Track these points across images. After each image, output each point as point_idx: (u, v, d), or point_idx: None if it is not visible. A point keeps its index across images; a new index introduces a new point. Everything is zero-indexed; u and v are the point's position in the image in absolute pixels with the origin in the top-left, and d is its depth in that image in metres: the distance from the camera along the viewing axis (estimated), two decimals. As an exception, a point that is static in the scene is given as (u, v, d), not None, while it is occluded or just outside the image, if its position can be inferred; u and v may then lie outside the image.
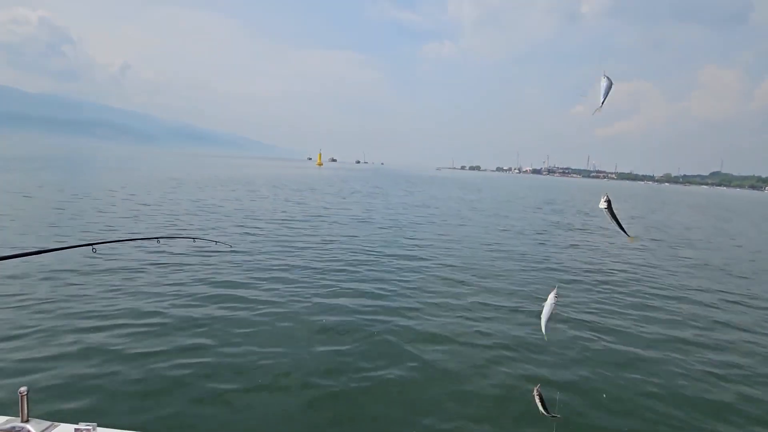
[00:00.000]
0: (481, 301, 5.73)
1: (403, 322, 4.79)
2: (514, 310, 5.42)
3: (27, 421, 1.18)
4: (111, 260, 6.45)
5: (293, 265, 6.90)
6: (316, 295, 5.52)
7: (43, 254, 1.49)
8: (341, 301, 5.36)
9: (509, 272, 7.44)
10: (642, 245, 11.61)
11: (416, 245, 9.28)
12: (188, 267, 6.48)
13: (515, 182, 77.98)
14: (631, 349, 4.43)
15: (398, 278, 6.56)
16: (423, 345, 4.23)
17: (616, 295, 6.37)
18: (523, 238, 11.53)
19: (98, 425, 1.22)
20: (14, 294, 4.90)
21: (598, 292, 6.53)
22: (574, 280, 7.20)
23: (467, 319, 5.04)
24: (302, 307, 5.00)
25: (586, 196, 39.74)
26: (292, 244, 8.55)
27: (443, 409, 3.19)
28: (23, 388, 1.17)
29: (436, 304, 5.49)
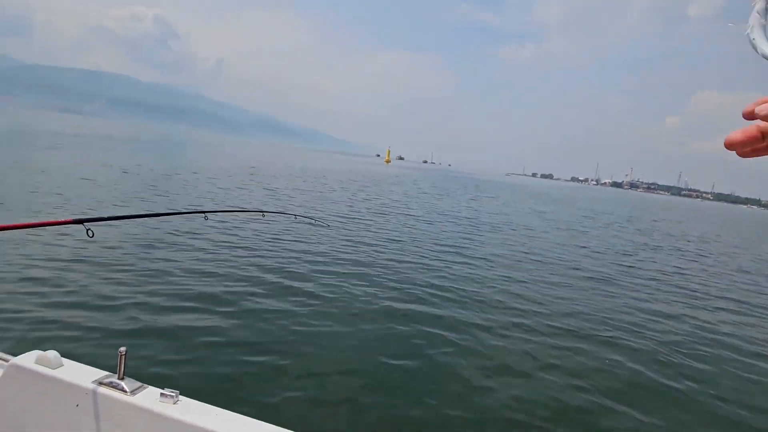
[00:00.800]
0: (557, 325, 5.00)
1: (458, 338, 4.31)
2: (587, 340, 4.68)
3: (122, 379, 1.24)
4: (220, 228, 7.43)
5: (360, 261, 6.95)
6: (375, 295, 5.37)
7: (161, 217, 1.59)
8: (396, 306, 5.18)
9: (587, 294, 6.62)
10: (752, 281, 10.00)
11: (483, 255, 8.80)
12: (288, 240, 7.36)
13: (593, 195, 72.37)
14: None
15: (459, 287, 6.08)
16: (477, 365, 3.77)
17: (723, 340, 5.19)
18: (603, 258, 10.54)
19: (180, 393, 1.25)
20: (132, 253, 5.58)
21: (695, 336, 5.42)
22: (670, 316, 6.08)
23: (541, 346, 4.38)
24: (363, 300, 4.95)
25: (675, 215, 35.62)
26: (360, 239, 8.66)
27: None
28: (122, 348, 1.24)
29: (498, 322, 4.89)
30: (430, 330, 4.39)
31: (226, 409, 1.25)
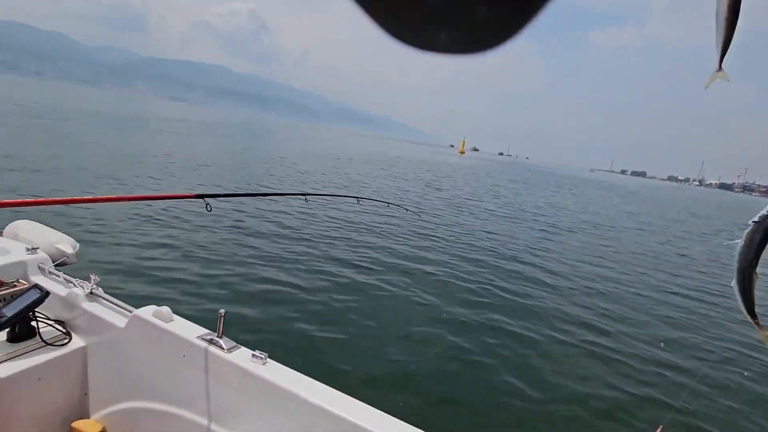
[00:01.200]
0: (646, 354, 4.32)
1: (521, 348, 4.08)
2: (683, 372, 4.13)
3: (220, 337, 1.38)
4: (319, 210, 8.02)
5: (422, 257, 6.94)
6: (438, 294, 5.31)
7: (263, 197, 1.73)
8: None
9: (684, 315, 5.73)
10: None
11: (560, 258, 8.13)
12: (380, 226, 7.72)
13: (696, 196, 63.77)
14: None
15: (532, 291, 5.63)
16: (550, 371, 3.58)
17: None
18: (710, 270, 9.23)
19: (269, 356, 1.35)
20: (242, 227, 6.29)
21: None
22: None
23: (621, 376, 3.94)
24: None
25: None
26: (435, 231, 8.62)
27: None
28: (222, 310, 1.38)
29: (576, 342, 4.41)
30: (497, 332, 4.25)
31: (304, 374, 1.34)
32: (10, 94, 39.44)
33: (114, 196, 1.09)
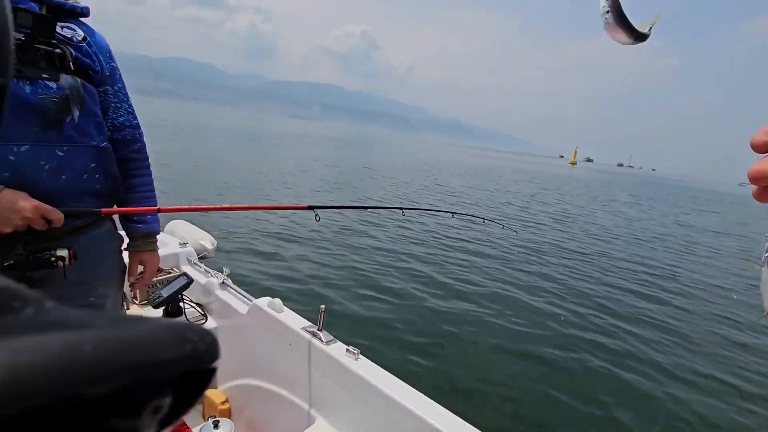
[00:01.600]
0: None
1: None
2: None
3: (321, 330, 1.54)
4: (414, 224, 8.24)
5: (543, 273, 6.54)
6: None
7: (363, 209, 1.90)
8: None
9: None
10: None
11: (697, 291, 6.81)
12: (473, 242, 7.58)
13: None
14: None
15: (654, 332, 4.78)
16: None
17: None
18: None
19: (361, 352, 1.46)
20: (346, 236, 6.85)
21: None
22: None
23: None
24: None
25: None
26: (540, 248, 8.13)
27: None
28: (322, 306, 1.54)
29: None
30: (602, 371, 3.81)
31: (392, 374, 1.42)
32: (170, 116, 48.72)
33: (242, 205, 1.33)
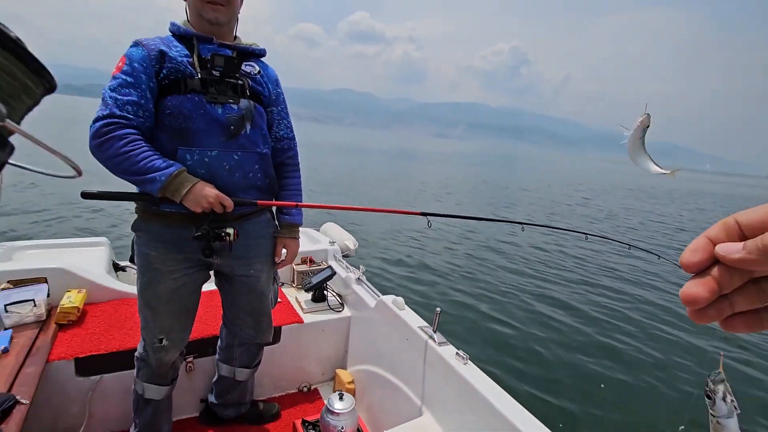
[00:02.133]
0: None
1: None
2: None
3: (435, 331, 1.66)
4: (536, 242, 7.84)
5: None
6: None
7: (484, 221, 1.98)
8: None
9: None
10: None
11: None
12: (613, 270, 6.67)
13: None
14: None
15: None
16: None
17: None
18: None
19: (470, 358, 1.52)
20: (457, 244, 7.07)
21: None
22: None
23: None
24: None
25: None
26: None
27: None
28: (438, 309, 1.67)
29: None
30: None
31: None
32: (333, 140, 56.13)
33: (359, 206, 1.55)
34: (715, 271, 0.28)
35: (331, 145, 39.96)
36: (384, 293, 2.06)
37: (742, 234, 0.27)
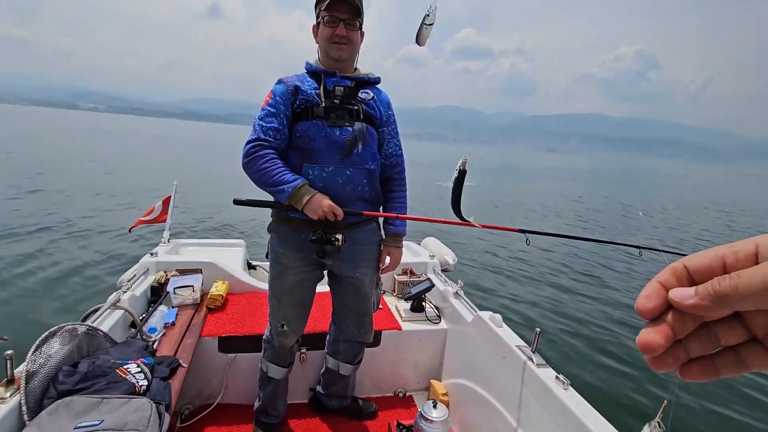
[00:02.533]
0: None
1: None
2: None
3: (534, 352, 1.67)
4: (656, 269, 7.08)
5: None
6: None
7: (590, 242, 1.89)
8: None
9: None
10: None
11: None
12: None
13: None
14: None
15: None
16: None
17: None
18: None
19: (570, 384, 1.46)
20: (556, 265, 6.68)
21: None
22: None
23: None
24: None
25: None
26: None
27: None
28: (538, 329, 1.67)
29: None
30: None
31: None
32: (435, 156, 56.41)
33: (468, 222, 1.60)
34: (669, 316, 0.28)
35: (435, 161, 40.41)
36: (481, 309, 2.07)
37: (691, 279, 0.27)
